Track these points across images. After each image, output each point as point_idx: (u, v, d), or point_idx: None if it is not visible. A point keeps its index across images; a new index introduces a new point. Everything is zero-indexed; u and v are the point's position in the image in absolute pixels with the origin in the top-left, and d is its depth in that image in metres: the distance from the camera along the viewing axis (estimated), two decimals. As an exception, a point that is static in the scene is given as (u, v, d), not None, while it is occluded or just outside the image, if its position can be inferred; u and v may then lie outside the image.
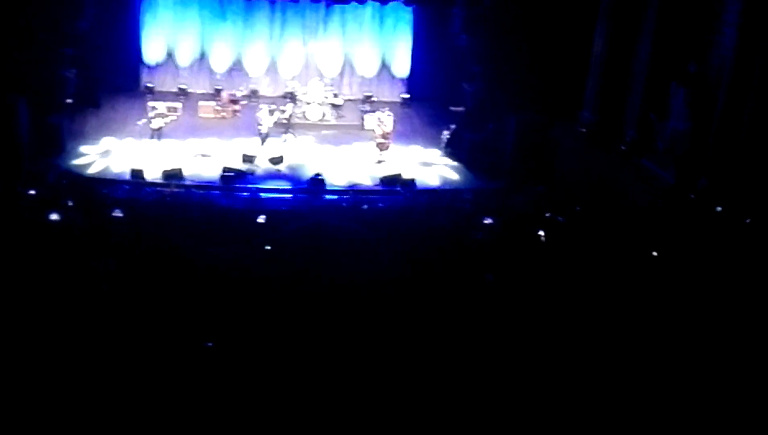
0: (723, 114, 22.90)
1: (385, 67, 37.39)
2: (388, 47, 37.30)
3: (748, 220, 19.87)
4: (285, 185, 27.11)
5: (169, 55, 36.42)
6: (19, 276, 12.38)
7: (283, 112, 30.97)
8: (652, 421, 10.22)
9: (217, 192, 25.90)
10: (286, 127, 30.80)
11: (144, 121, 29.49)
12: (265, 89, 36.33)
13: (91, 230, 16.57)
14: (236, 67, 36.60)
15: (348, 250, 15.35)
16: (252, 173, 27.67)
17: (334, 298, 12.47)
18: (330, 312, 11.89)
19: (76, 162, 27.64)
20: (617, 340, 12.16)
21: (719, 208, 21.23)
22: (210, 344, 9.64)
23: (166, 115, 29.93)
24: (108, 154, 28.66)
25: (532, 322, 12.67)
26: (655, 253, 16.89)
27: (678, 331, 12.67)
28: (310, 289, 12.72)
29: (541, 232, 18.31)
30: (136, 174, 26.16)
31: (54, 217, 17.41)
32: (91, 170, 27.20)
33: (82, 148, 28.80)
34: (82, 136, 29.60)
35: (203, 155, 28.95)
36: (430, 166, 29.89)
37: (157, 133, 29.29)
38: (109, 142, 29.63)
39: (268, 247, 14.73)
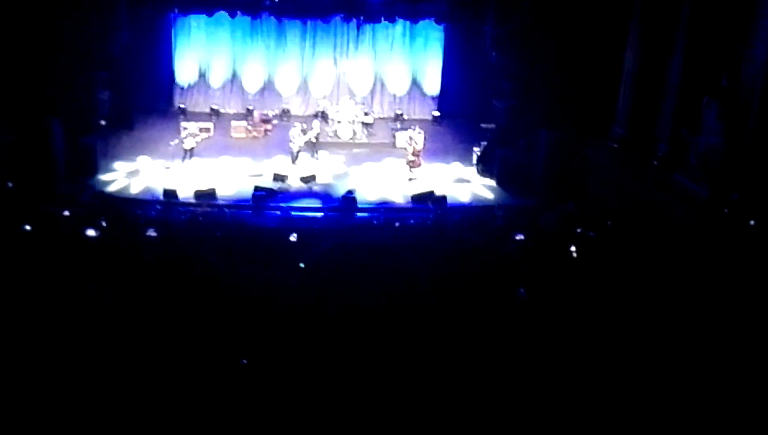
0: (755, 128, 22.75)
1: (415, 84, 37.49)
2: (419, 65, 37.41)
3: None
4: (317, 204, 27.20)
5: (202, 76, 36.75)
6: (46, 295, 12.49)
7: (311, 130, 31.08)
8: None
9: (250, 211, 26.04)
10: (313, 146, 30.92)
11: (176, 141, 29.72)
12: (297, 108, 36.55)
13: (123, 249, 16.70)
14: (268, 87, 36.84)
15: (381, 268, 15.38)
16: (284, 192, 27.80)
17: (367, 315, 12.49)
18: (363, 329, 11.91)
19: (110, 182, 27.89)
20: (650, 354, 12.09)
21: (753, 222, 21.09)
22: (245, 362, 9.67)
23: (198, 135, 30.19)
24: (141, 174, 28.91)
25: (565, 338, 12.63)
26: (689, 268, 16.81)
27: (712, 344, 12.59)
28: (343, 307, 12.75)
29: (573, 248, 18.27)
30: (169, 194, 26.34)
31: (91, 232, 17.63)
32: (125, 191, 27.45)
33: (116, 169, 29.08)
34: (115, 157, 29.89)
35: (235, 175, 29.11)
36: (462, 183, 29.89)
37: (189, 153, 29.54)
38: (142, 162, 29.89)
39: (302, 265, 14.78)
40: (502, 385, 10.88)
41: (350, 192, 27.02)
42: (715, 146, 24.42)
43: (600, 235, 20.01)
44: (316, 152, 30.99)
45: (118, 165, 29.27)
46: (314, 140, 31.06)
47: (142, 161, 29.85)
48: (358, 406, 9.81)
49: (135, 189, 27.64)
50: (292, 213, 25.65)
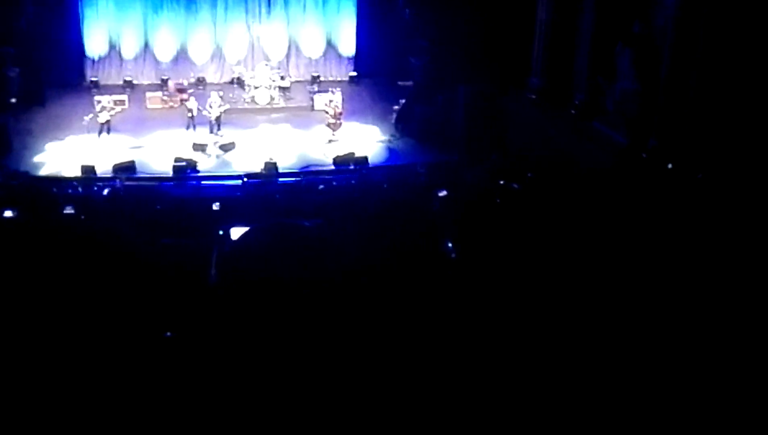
0: (669, 72, 23.00)
1: (331, 46, 37.22)
2: (333, 26, 37.14)
3: (699, 176, 20.03)
4: (238, 171, 26.91)
5: (113, 48, 35.96)
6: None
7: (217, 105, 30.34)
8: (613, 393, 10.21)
9: (170, 183, 25.68)
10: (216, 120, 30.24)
11: (91, 116, 29.13)
12: (212, 76, 36.08)
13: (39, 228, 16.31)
14: (181, 56, 36.26)
15: (306, 244, 15.25)
16: (204, 161, 27.50)
17: (294, 283, 12.37)
18: (289, 299, 11.80)
19: (25, 161, 27.26)
20: (578, 305, 12.18)
21: (670, 166, 21.39)
22: (169, 334, 9.50)
23: (112, 108, 29.63)
24: (57, 151, 28.31)
25: (497, 293, 12.66)
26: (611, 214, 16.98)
27: (635, 289, 12.72)
28: (267, 277, 12.61)
29: (497, 200, 18.32)
30: (87, 169, 25.86)
31: (8, 214, 17.21)
32: (41, 168, 26.87)
33: (30, 147, 28.43)
34: (29, 135, 29.20)
35: (154, 146, 28.69)
36: (382, 143, 29.83)
37: (106, 127, 28.99)
38: (57, 139, 29.26)
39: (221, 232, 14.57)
40: (438, 344, 10.86)
41: (271, 158, 26.76)
42: (630, 92, 24.67)
43: (523, 186, 20.10)
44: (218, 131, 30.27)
45: (33, 145, 28.56)
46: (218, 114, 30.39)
47: (57, 138, 29.21)
48: (284, 380, 9.71)
49: (65, 166, 27.05)
50: (213, 182, 25.39)
